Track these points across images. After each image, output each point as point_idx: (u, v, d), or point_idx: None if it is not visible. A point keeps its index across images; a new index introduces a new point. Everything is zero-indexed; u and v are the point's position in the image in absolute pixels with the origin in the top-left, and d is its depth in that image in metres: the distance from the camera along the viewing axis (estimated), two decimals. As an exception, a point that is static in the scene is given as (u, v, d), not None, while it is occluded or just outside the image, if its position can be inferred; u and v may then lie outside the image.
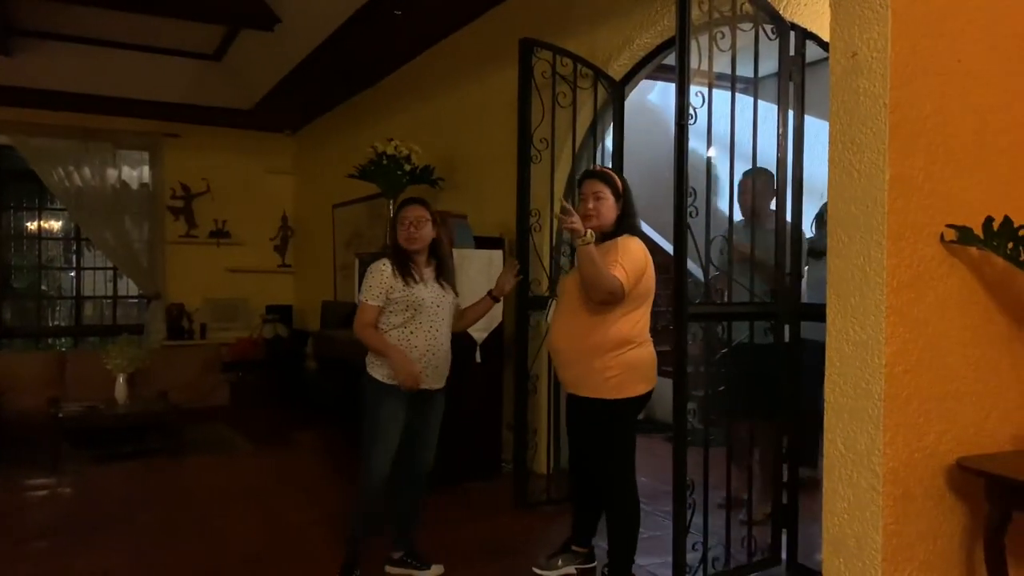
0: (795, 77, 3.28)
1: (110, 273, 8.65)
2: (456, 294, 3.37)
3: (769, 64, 3.31)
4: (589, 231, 2.92)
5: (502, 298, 3.52)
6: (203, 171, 8.54)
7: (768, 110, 3.30)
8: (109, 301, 8.76)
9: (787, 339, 3.31)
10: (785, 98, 3.28)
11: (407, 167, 5.53)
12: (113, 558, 3.61)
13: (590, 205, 3.09)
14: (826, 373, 2.19)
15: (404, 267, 3.17)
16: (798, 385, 3.30)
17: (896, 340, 2.03)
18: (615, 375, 2.94)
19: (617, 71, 4.28)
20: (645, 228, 4.12)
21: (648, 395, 3.03)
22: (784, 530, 3.34)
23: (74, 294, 8.69)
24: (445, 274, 3.30)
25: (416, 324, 3.16)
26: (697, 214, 3.12)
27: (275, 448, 6.08)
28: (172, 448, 5.79)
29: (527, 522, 4.03)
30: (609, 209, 3.07)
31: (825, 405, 2.20)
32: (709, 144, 3.20)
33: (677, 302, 2.95)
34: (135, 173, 8.33)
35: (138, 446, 5.85)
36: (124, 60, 7.31)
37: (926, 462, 2.08)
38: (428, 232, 3.22)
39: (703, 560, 3.11)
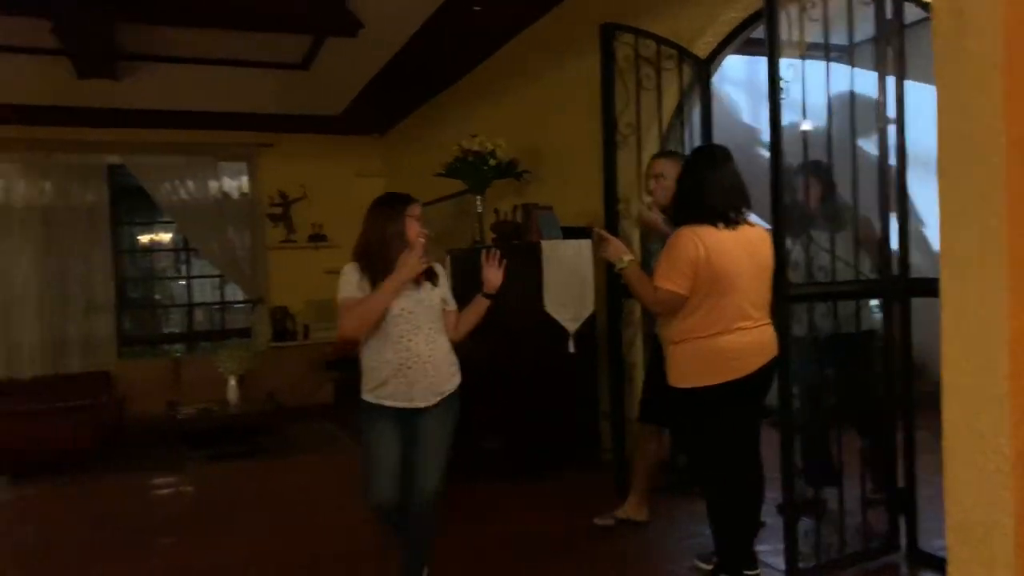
0: (894, 42, 3.12)
1: (217, 280, 9.07)
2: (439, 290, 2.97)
3: (865, 29, 3.16)
4: (626, 256, 3.00)
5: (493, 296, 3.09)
6: (299, 177, 8.82)
7: (869, 79, 3.15)
8: (218, 307, 9.19)
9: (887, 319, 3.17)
10: (884, 64, 3.12)
11: (492, 162, 5.56)
12: (231, 553, 3.80)
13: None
14: (943, 352, 2.06)
15: (377, 270, 2.81)
16: (908, 370, 3.16)
17: (1021, 315, 1.90)
18: (675, 365, 2.93)
19: (702, 49, 4.17)
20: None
21: (727, 385, 2.83)
22: (902, 515, 3.20)
23: (185, 302, 9.16)
24: (429, 273, 2.92)
25: (384, 335, 2.81)
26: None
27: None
28: (281, 446, 6.04)
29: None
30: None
31: (943, 386, 2.08)
32: (804, 116, 3.08)
33: (777, 283, 2.86)
34: (235, 183, 8.70)
35: (250, 445, 6.13)
36: (219, 76, 7.62)
37: (1060, 443, 1.94)
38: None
39: (816, 547, 3.02)
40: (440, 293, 2.96)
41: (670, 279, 2.83)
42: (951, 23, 2.05)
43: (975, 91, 1.95)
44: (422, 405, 2.85)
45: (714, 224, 2.85)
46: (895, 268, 3.19)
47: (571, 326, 4.63)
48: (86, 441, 5.75)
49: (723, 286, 2.82)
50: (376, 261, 2.83)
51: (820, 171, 3.37)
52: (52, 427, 5.68)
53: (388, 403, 2.84)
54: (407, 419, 2.85)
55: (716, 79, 4.47)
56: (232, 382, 6.28)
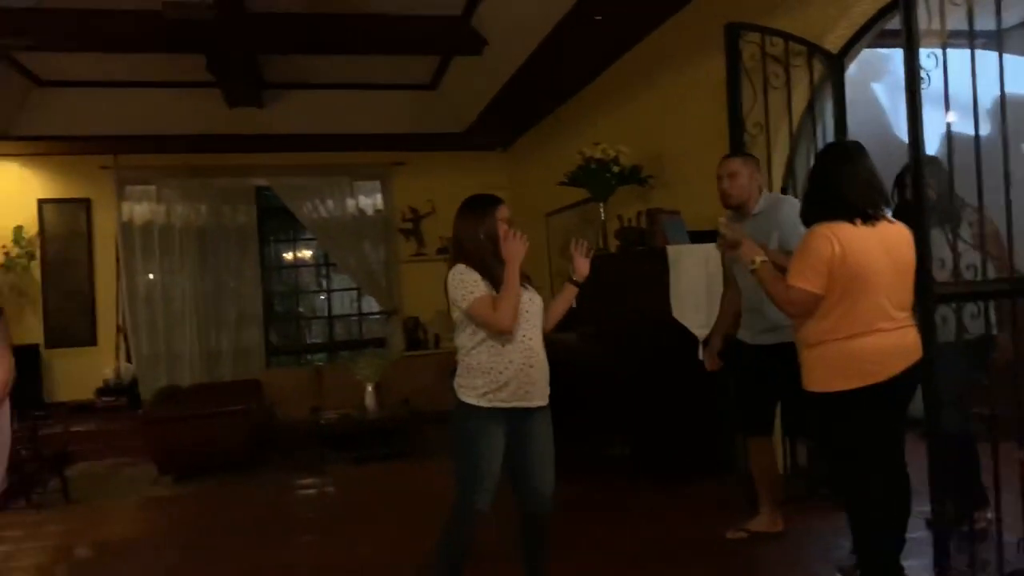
0: (1049, 22, 2.91)
1: (355, 293, 9.52)
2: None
3: (1015, 13, 2.96)
4: (759, 256, 2.89)
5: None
6: (428, 193, 9.13)
7: (1020, 65, 2.94)
8: (355, 318, 9.65)
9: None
10: (1038, 47, 2.91)
11: (615, 169, 5.57)
12: (369, 550, 3.99)
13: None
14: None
15: (494, 275, 2.79)
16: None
17: None
18: (811, 368, 2.80)
19: (834, 43, 4.03)
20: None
21: (867, 390, 2.68)
22: (1071, 534, 2.94)
23: (326, 314, 9.66)
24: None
25: (507, 336, 2.76)
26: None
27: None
28: (416, 450, 6.26)
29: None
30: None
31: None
32: (947, 109, 2.92)
33: (921, 282, 2.71)
34: (369, 201, 9.14)
35: (386, 448, 6.38)
36: (353, 99, 8.06)
37: None
38: None
39: (971, 564, 2.82)
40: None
41: (804, 277, 2.72)
42: (1113, -5, 1.90)
43: None
44: (540, 404, 2.85)
45: (851, 220, 2.72)
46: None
47: (700, 333, 4.54)
48: (239, 444, 6.16)
49: (860, 285, 2.69)
50: (474, 264, 2.82)
51: (931, 168, 3.17)
52: (210, 430, 6.12)
53: (504, 405, 2.77)
54: (517, 421, 2.81)
55: (856, 74, 4.29)
56: (370, 389, 6.56)
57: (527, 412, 2.82)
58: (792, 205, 3.45)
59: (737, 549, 3.58)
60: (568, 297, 3.06)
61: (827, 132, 4.21)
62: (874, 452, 2.81)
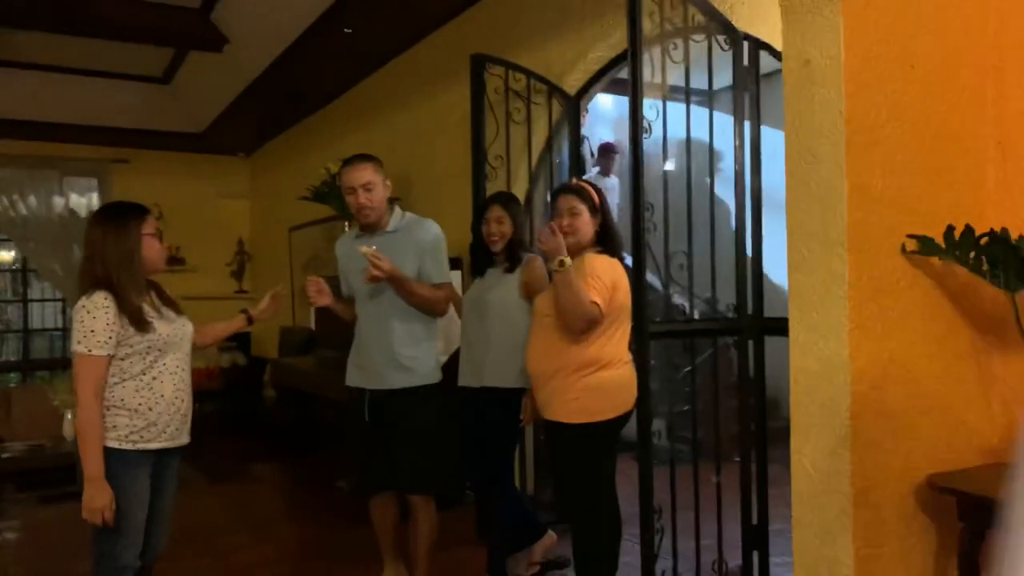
0: (750, 88, 3.24)
1: (59, 305, 8.36)
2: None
3: (725, 76, 3.26)
4: (566, 257, 2.72)
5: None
6: (154, 197, 8.14)
7: (726, 122, 3.25)
8: (59, 334, 8.46)
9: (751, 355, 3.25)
10: (740, 110, 3.23)
11: (362, 188, 5.40)
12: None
13: (565, 221, 2.88)
14: (791, 391, 2.11)
15: (130, 305, 2.44)
16: (762, 408, 3.24)
17: (861, 355, 1.95)
18: (575, 398, 2.81)
19: (571, 86, 4.21)
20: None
21: (622, 418, 2.86)
22: (755, 552, 3.26)
23: (22, 327, 8.38)
24: (163, 295, 2.70)
25: (159, 369, 2.49)
26: (656, 229, 3.05)
27: (230, 483, 5.87)
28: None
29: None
30: (586, 225, 2.90)
31: (791, 425, 2.12)
32: (665, 158, 3.14)
33: (637, 320, 2.86)
34: (83, 200, 8.09)
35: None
36: (70, 86, 7.11)
37: (896, 482, 2.01)
38: None
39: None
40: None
41: (600, 295, 2.74)
42: (799, 72, 2.12)
43: (821, 138, 2.02)
44: (186, 441, 2.62)
45: (620, 257, 2.94)
46: (750, 307, 3.28)
47: (441, 359, 4.49)
48: None
49: (623, 316, 2.86)
50: (109, 289, 2.42)
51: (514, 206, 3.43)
52: None
53: (150, 447, 2.47)
54: (158, 462, 2.53)
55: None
56: (69, 416, 5.72)
57: (170, 452, 2.56)
58: (432, 229, 3.32)
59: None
60: (237, 326, 2.98)
61: (564, 170, 4.39)
62: (610, 479, 2.95)
